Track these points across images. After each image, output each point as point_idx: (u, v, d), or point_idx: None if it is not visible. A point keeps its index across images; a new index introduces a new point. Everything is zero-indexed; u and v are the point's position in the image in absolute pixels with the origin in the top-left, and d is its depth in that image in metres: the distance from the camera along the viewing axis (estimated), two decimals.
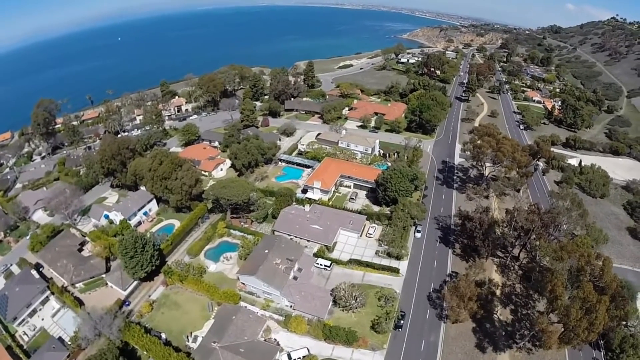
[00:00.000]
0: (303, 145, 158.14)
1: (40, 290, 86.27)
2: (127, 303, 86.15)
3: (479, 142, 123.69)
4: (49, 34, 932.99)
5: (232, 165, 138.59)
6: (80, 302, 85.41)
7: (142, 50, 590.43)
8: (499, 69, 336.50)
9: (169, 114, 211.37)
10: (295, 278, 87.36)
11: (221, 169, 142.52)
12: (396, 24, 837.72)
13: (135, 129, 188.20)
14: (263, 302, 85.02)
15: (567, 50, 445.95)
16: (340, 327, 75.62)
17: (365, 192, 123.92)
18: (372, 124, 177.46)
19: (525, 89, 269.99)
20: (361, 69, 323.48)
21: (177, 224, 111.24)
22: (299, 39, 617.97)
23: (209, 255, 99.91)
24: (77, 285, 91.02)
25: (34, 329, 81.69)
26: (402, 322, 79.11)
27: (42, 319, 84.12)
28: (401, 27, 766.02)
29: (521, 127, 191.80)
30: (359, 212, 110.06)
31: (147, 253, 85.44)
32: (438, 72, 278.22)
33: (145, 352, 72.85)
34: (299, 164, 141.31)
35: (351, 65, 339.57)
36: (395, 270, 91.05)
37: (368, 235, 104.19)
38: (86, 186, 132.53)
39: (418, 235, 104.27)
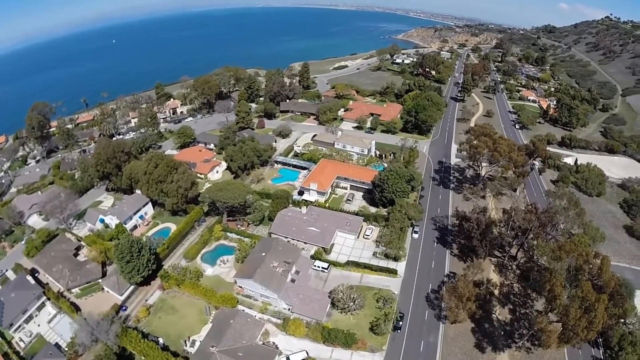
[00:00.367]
0: (299, 146, 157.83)
1: (36, 296, 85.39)
2: (123, 308, 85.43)
3: (475, 142, 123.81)
4: (49, 35, 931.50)
5: (228, 168, 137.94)
6: (76, 308, 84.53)
7: (138, 51, 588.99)
8: (494, 68, 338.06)
9: (164, 116, 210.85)
10: (292, 281, 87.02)
11: (217, 172, 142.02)
12: (390, 25, 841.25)
13: (130, 132, 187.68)
14: (261, 306, 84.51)
15: (561, 50, 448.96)
16: (338, 329, 75.30)
17: (362, 194, 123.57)
18: (368, 124, 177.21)
19: (520, 88, 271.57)
20: (357, 69, 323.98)
21: (173, 227, 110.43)
22: (294, 40, 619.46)
23: (205, 259, 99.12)
24: (73, 290, 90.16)
25: (31, 335, 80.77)
26: (400, 323, 78.90)
27: (39, 325, 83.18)
28: (396, 28, 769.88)
29: (517, 126, 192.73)
30: (356, 214, 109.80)
31: (143, 257, 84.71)
32: (433, 72, 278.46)
33: (142, 358, 72.18)
34: (295, 166, 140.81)
35: (346, 66, 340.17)
36: (393, 272, 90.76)
37: (365, 236, 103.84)
38: (81, 190, 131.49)
39: (415, 236, 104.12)
